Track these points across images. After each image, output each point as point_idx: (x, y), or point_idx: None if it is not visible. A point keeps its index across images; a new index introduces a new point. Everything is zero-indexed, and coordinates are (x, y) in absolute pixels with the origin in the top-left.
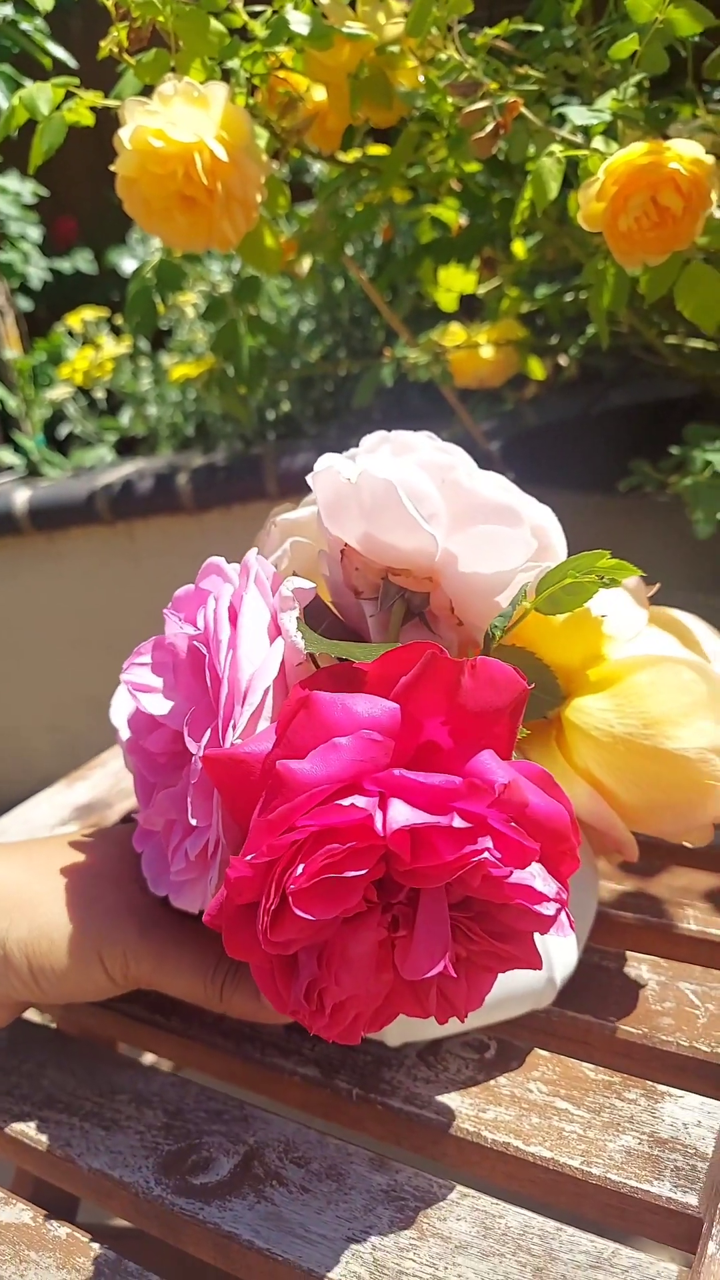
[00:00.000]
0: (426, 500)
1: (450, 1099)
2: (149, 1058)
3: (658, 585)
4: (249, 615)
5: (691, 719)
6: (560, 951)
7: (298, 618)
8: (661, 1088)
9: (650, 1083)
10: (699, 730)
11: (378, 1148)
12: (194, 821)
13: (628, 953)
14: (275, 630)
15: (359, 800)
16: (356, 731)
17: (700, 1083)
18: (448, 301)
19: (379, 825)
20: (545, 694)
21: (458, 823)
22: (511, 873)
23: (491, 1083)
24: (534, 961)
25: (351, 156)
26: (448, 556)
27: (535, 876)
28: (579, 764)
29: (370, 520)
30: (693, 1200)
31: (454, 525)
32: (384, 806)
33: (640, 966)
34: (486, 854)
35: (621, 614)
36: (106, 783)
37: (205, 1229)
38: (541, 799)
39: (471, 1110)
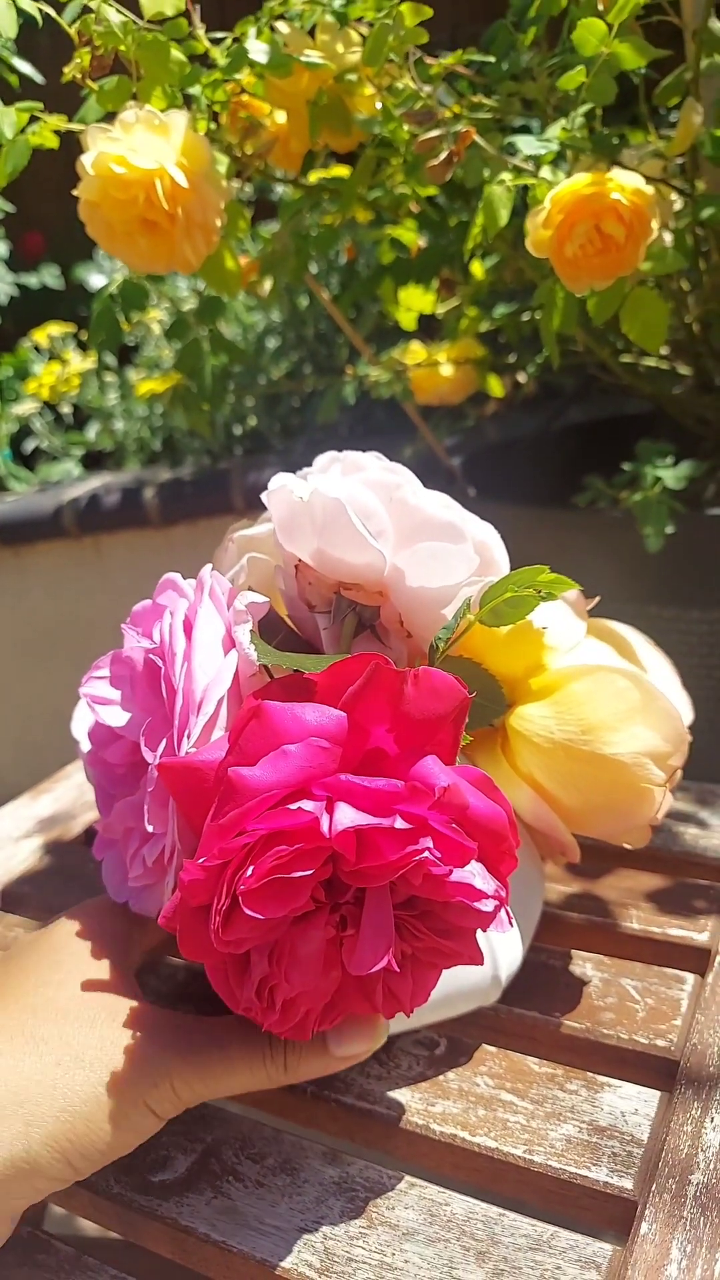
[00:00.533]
0: (374, 518)
1: (401, 1094)
2: None
3: (598, 598)
4: (203, 628)
5: (627, 725)
6: (505, 950)
7: (251, 630)
8: (602, 1079)
9: (591, 1074)
10: (633, 735)
11: (331, 1143)
12: (150, 829)
13: (573, 951)
14: (230, 643)
15: (306, 804)
16: (305, 739)
17: (638, 1073)
18: (407, 321)
19: (325, 827)
20: (489, 703)
21: (399, 824)
22: (451, 871)
23: (440, 1078)
24: (476, 957)
25: (314, 179)
26: (395, 572)
27: (475, 875)
28: (522, 768)
29: (322, 537)
30: (628, 1184)
31: (400, 542)
32: (330, 810)
33: (585, 965)
34: (427, 853)
35: (562, 626)
36: (70, 795)
37: (163, 1224)
38: (481, 801)
39: (421, 1104)
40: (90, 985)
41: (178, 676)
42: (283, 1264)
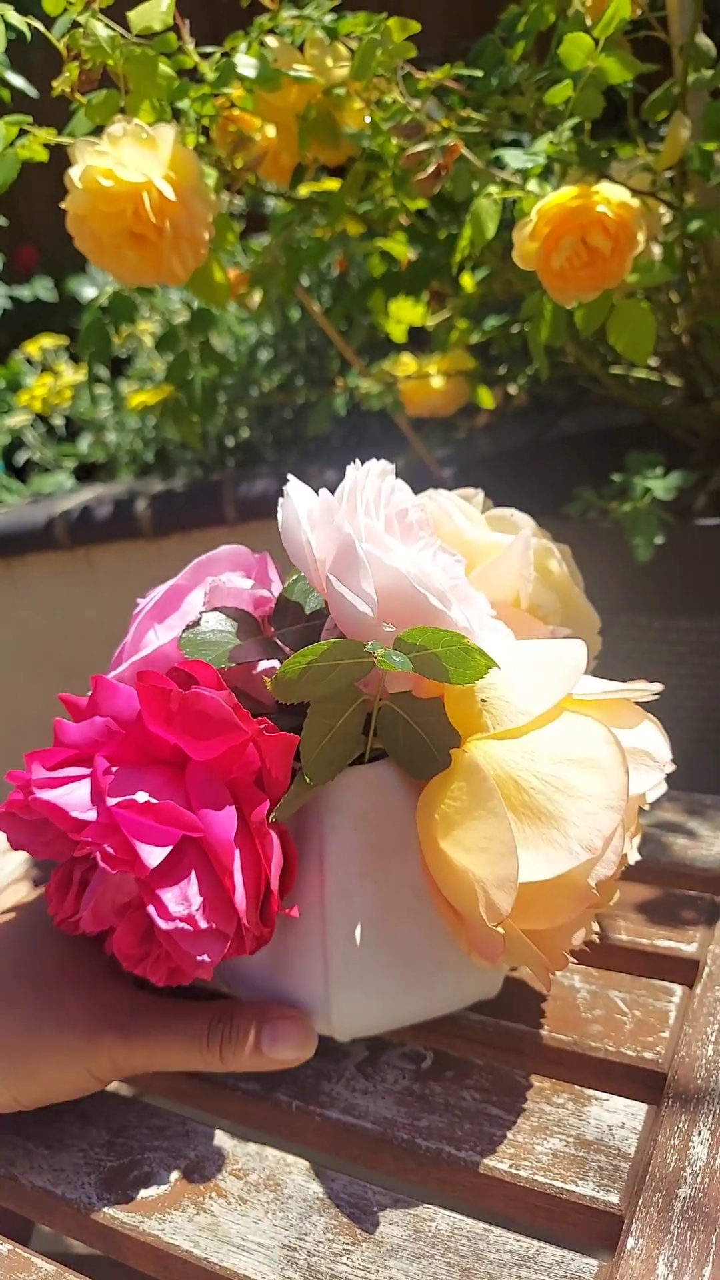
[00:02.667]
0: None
1: (387, 1109)
2: None
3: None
4: (177, 611)
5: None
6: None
7: (208, 611)
8: (589, 1092)
9: (578, 1088)
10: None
11: (316, 1158)
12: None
13: None
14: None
15: (73, 770)
16: (109, 717)
17: (626, 1086)
18: (398, 333)
19: (35, 793)
20: (435, 750)
21: (81, 813)
22: (139, 875)
23: (427, 1092)
24: (184, 973)
25: (304, 192)
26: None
27: (171, 892)
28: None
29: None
30: (614, 1199)
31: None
32: (97, 780)
33: (573, 977)
34: (95, 846)
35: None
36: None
37: (145, 1241)
38: (220, 832)
39: (407, 1119)
40: (76, 963)
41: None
42: None
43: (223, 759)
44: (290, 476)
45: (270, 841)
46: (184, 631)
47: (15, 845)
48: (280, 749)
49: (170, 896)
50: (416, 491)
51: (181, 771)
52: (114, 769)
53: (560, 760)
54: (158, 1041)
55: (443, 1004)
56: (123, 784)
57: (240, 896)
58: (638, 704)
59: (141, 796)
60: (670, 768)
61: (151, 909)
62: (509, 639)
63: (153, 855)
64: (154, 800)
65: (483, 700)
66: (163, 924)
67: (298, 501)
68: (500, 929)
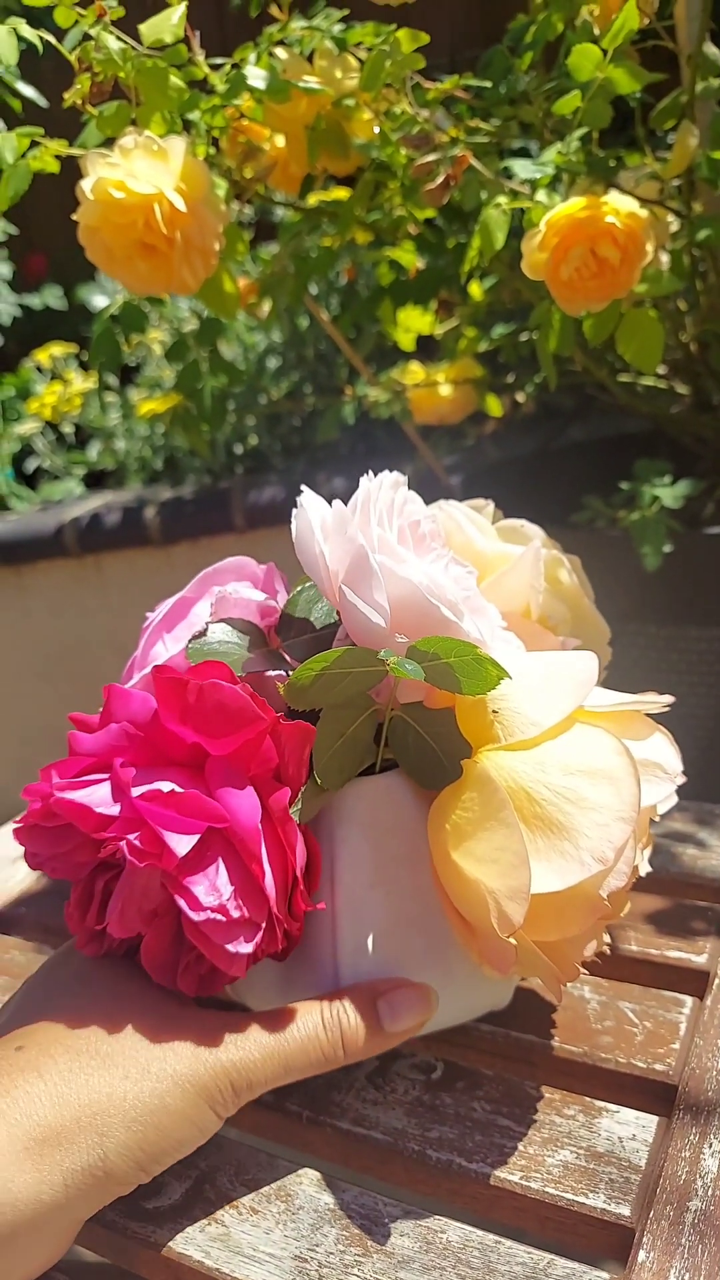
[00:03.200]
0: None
1: (397, 1119)
2: None
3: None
4: (184, 621)
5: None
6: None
7: (214, 622)
8: (600, 1104)
9: (589, 1099)
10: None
11: (327, 1168)
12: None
13: None
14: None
15: (93, 777)
16: (124, 721)
17: (636, 1098)
18: (406, 341)
19: (56, 793)
20: (446, 761)
21: (105, 809)
22: (169, 867)
23: (437, 1103)
24: (221, 969)
25: (313, 201)
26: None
27: (201, 882)
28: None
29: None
30: (625, 1211)
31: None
32: (117, 776)
33: (583, 987)
34: (123, 840)
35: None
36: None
37: (157, 1251)
38: (245, 820)
39: (417, 1130)
40: (144, 999)
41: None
42: None
43: (241, 752)
44: (304, 487)
45: (293, 828)
46: (190, 641)
47: (33, 864)
48: (297, 739)
49: (200, 888)
50: (427, 501)
51: (200, 771)
52: (135, 770)
53: (572, 771)
54: (274, 1053)
55: (453, 1015)
56: (144, 780)
57: (270, 883)
58: (648, 715)
59: (166, 786)
60: (681, 779)
61: (181, 902)
62: (520, 650)
63: (181, 844)
64: (179, 789)
65: (494, 711)
66: (194, 915)
67: (311, 512)
68: (512, 940)
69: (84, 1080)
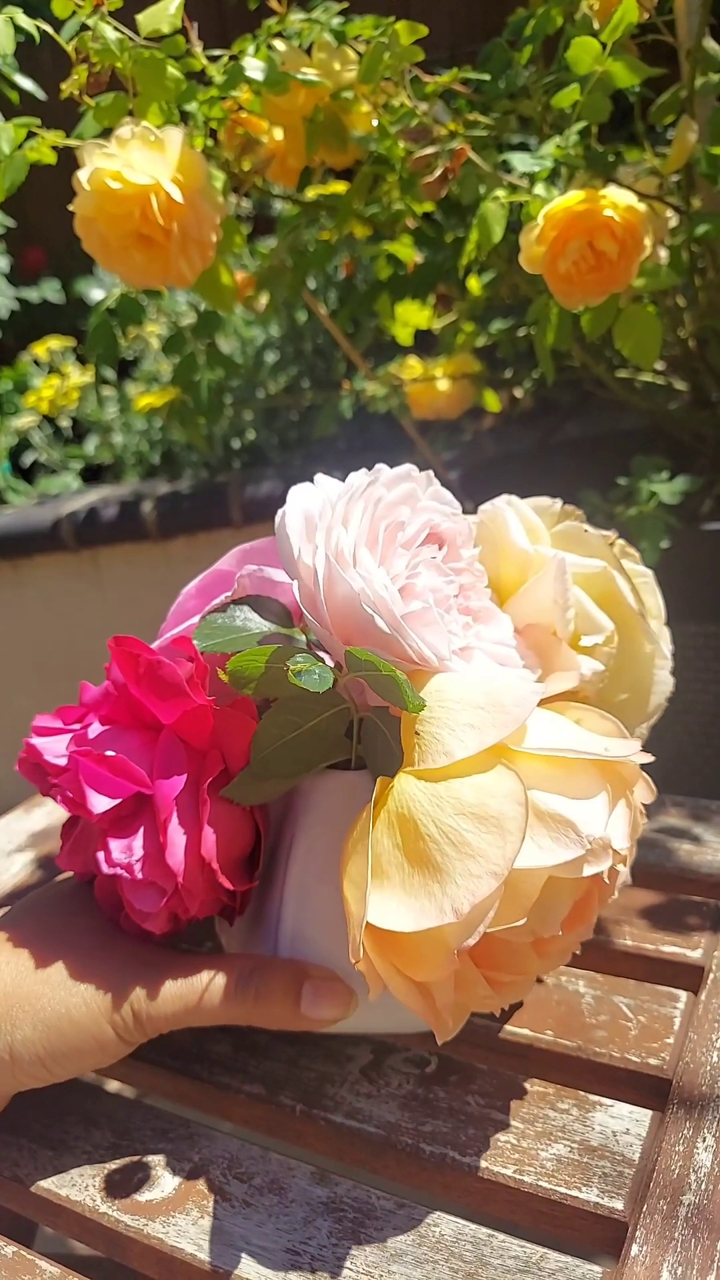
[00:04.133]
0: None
1: (391, 1113)
2: (97, 1078)
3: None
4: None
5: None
6: None
7: (235, 601)
8: (593, 1098)
9: (583, 1093)
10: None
11: (320, 1162)
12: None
13: (565, 968)
14: None
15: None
16: (113, 680)
17: (630, 1092)
18: (404, 336)
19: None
20: (383, 756)
21: (54, 758)
22: (81, 813)
23: (431, 1096)
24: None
25: (311, 195)
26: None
27: (117, 841)
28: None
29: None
30: (619, 1205)
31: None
32: (77, 732)
33: (578, 982)
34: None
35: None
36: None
37: (149, 1244)
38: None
39: (411, 1124)
40: (93, 926)
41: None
42: None
43: (181, 723)
44: (317, 476)
45: (207, 809)
46: (204, 615)
47: (42, 791)
48: (236, 726)
49: (117, 845)
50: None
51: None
52: (105, 728)
53: (464, 812)
54: (185, 990)
55: (399, 1023)
56: (102, 740)
57: (175, 854)
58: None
59: (111, 749)
60: (588, 845)
61: (100, 855)
62: (481, 670)
63: (100, 803)
64: (112, 754)
65: (416, 733)
66: (105, 869)
67: (290, 513)
68: (359, 967)
69: (10, 976)
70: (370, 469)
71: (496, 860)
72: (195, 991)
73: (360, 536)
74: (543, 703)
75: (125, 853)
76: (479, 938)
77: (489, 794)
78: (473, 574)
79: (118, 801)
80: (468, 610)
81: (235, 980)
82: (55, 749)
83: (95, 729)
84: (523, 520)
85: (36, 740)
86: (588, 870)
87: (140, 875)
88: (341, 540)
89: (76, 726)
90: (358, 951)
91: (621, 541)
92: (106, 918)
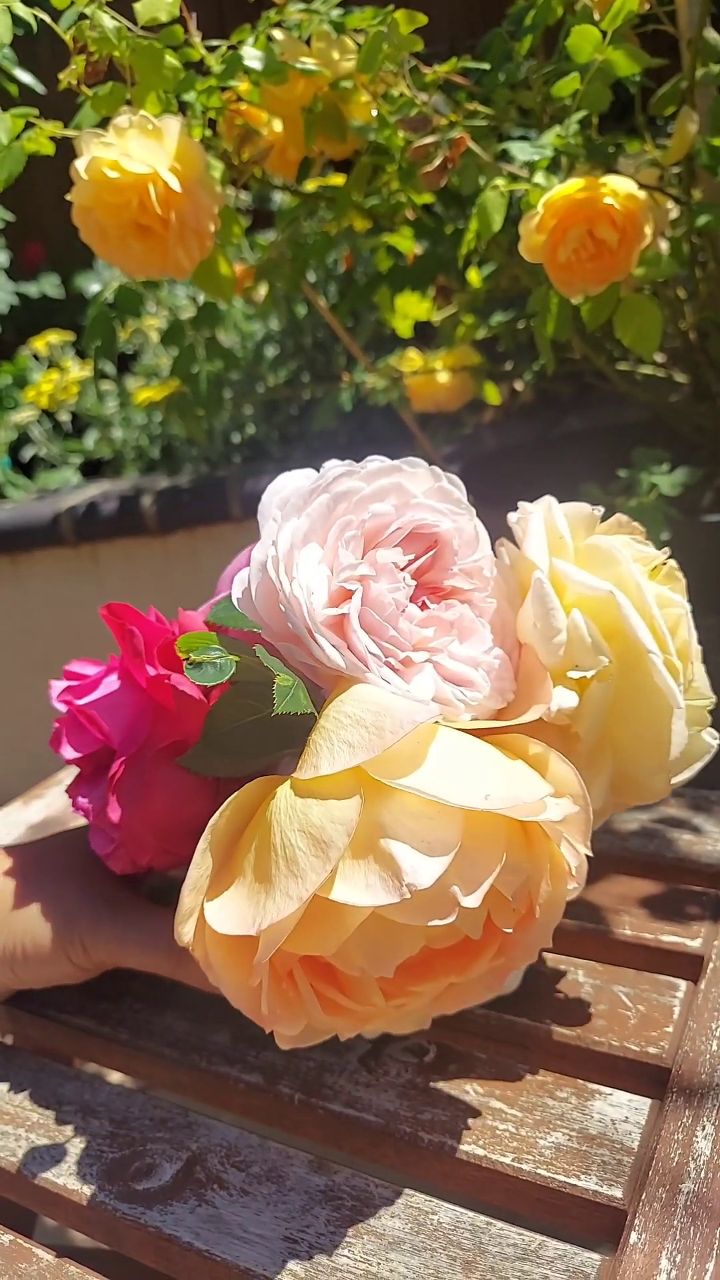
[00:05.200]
0: None
1: (390, 1102)
2: (96, 1069)
3: None
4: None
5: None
6: None
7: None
8: (593, 1086)
9: (582, 1082)
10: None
11: (319, 1151)
12: None
13: (565, 958)
14: None
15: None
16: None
17: (629, 1081)
18: (404, 328)
19: (64, 675)
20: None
21: (59, 705)
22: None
23: (430, 1085)
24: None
25: (311, 186)
26: None
27: (91, 786)
28: None
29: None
30: (617, 1193)
31: None
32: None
33: (577, 971)
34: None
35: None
36: (61, 801)
37: (146, 1232)
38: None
39: (409, 1112)
40: (85, 865)
41: None
42: (267, 1273)
43: (152, 688)
44: (333, 461)
45: (155, 773)
46: (229, 594)
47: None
48: (189, 704)
49: (85, 788)
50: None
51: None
52: (119, 684)
53: (306, 830)
54: (131, 937)
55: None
56: (107, 695)
57: (115, 809)
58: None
59: (94, 703)
60: (406, 895)
61: (75, 794)
62: (388, 689)
63: (68, 751)
64: (88, 706)
65: (310, 739)
66: (74, 808)
67: (264, 500)
68: (194, 952)
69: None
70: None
71: (305, 886)
72: (130, 936)
73: (311, 531)
74: (497, 734)
75: (84, 798)
76: (264, 959)
77: (330, 818)
78: (472, 580)
79: (85, 753)
80: (433, 621)
81: (169, 935)
82: (63, 696)
83: (111, 682)
84: (548, 527)
85: (57, 682)
86: (424, 920)
87: (94, 820)
88: (280, 535)
89: (93, 672)
90: (182, 937)
91: (672, 564)
92: (89, 858)
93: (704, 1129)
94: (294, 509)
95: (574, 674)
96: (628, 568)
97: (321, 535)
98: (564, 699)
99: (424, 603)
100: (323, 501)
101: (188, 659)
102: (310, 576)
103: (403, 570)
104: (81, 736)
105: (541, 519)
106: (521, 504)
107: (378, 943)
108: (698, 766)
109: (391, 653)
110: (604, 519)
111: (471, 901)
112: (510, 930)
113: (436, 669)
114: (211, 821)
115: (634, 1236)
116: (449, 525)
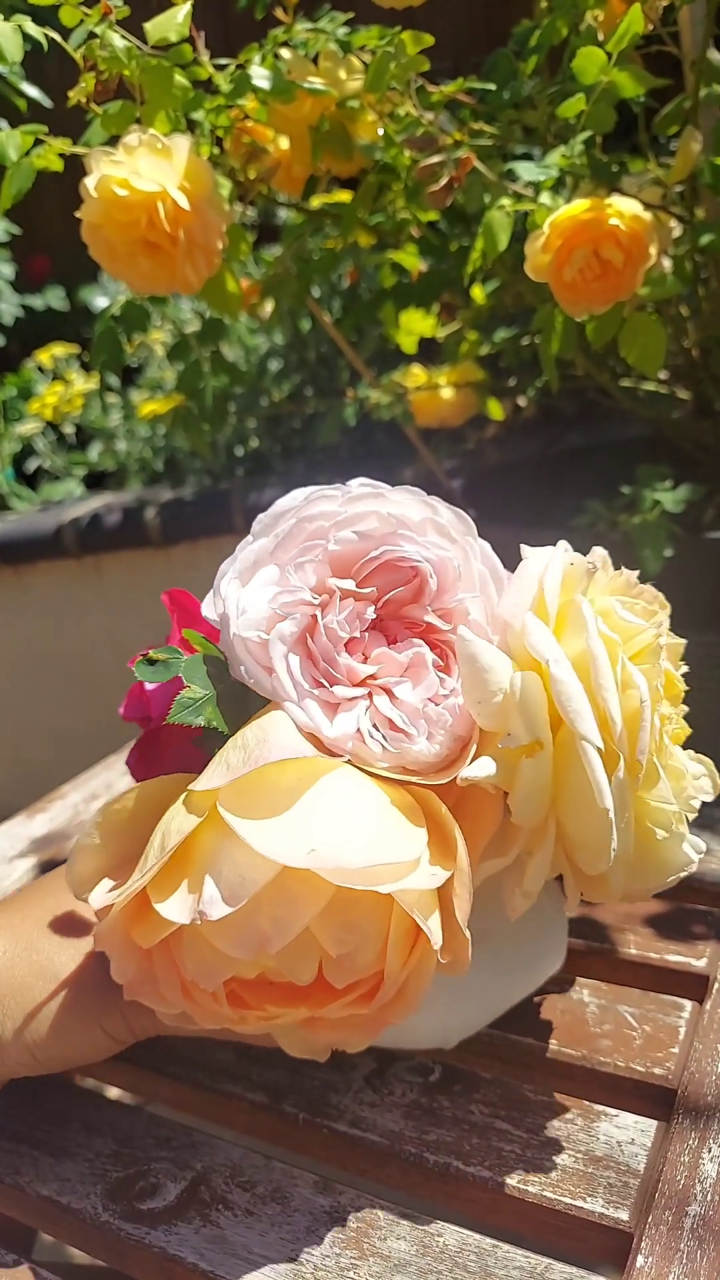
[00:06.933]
0: None
1: (394, 1122)
2: (99, 1086)
3: None
4: None
5: None
6: (459, 1004)
7: None
8: (598, 1107)
9: (587, 1103)
10: None
11: (323, 1171)
12: None
13: (571, 977)
14: None
15: None
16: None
17: (635, 1102)
18: (408, 344)
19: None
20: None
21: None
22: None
23: (435, 1105)
24: None
25: (316, 203)
26: None
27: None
28: None
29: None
30: (624, 1215)
31: None
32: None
33: (582, 991)
34: None
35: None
36: (65, 815)
37: (150, 1253)
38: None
39: (414, 1133)
40: (88, 916)
41: None
42: None
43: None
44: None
45: (166, 743)
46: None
47: None
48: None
49: (137, 756)
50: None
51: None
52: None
53: (165, 829)
54: None
55: (401, 1039)
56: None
57: (137, 767)
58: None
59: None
60: (197, 921)
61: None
62: (301, 719)
63: (124, 710)
64: (148, 686)
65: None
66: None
67: (261, 515)
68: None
69: (7, 964)
70: (374, 477)
71: (144, 878)
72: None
73: (273, 552)
74: (413, 788)
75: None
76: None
77: (175, 829)
78: (448, 621)
79: (132, 717)
80: (382, 660)
81: None
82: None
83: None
84: (541, 578)
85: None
86: (232, 949)
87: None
88: (243, 552)
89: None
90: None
91: (672, 640)
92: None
93: (710, 1151)
94: (266, 528)
95: (501, 744)
96: (594, 641)
97: (283, 557)
98: (479, 768)
99: (394, 638)
100: (290, 524)
101: (146, 655)
102: (250, 596)
103: (366, 602)
104: (134, 702)
105: (536, 567)
106: (523, 547)
107: (203, 956)
108: (671, 880)
109: (321, 685)
110: (608, 536)
111: (273, 947)
112: (341, 988)
113: (373, 710)
114: (107, 803)
115: (640, 1259)
116: (431, 558)
